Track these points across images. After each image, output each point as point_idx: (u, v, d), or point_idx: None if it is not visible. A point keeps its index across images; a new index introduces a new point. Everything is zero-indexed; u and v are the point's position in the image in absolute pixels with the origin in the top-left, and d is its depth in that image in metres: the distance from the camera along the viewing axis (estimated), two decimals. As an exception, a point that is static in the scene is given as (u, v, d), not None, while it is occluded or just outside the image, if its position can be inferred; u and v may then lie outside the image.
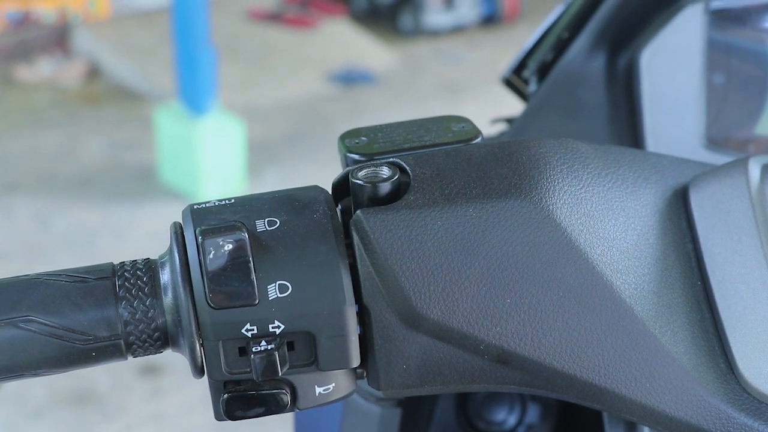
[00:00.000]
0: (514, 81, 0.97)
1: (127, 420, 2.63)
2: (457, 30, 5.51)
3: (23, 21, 4.91)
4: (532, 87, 0.90)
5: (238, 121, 3.71)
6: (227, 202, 0.52)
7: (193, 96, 3.54)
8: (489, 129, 0.98)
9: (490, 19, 5.61)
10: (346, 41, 5.20)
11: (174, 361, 2.78)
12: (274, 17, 5.35)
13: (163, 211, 3.57)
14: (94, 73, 4.79)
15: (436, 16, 5.41)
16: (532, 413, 0.80)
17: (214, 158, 3.63)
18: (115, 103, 4.53)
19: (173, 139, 3.66)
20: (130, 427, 2.60)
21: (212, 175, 3.64)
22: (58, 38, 4.95)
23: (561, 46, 0.85)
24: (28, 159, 4.02)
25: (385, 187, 0.51)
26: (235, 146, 3.70)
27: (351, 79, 4.81)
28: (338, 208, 0.54)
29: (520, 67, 0.94)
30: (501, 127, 0.97)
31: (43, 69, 4.75)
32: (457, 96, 4.73)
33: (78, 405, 2.65)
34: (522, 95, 0.98)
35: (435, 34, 5.44)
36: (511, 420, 0.80)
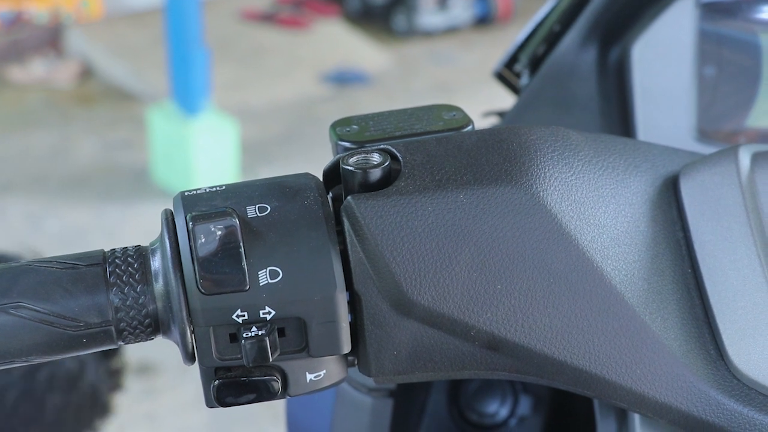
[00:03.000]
0: (506, 75, 0.97)
1: (120, 420, 2.62)
2: (451, 31, 5.51)
3: (15, 21, 4.90)
4: (524, 80, 0.90)
5: (232, 122, 3.71)
6: (218, 188, 0.52)
7: (187, 96, 3.53)
8: (481, 122, 0.98)
9: (484, 20, 5.61)
10: (339, 42, 5.20)
11: (167, 360, 2.78)
12: (268, 18, 5.34)
13: (157, 211, 3.55)
14: (87, 73, 4.79)
15: (429, 17, 5.41)
16: (524, 405, 0.80)
17: (208, 158, 3.63)
18: (108, 104, 4.52)
19: (166, 140, 3.65)
20: (124, 427, 2.60)
21: (205, 176, 3.63)
22: (50, 39, 4.94)
23: (552, 39, 0.85)
24: (21, 159, 4.01)
25: (375, 174, 0.51)
26: (228, 146, 3.70)
27: (344, 79, 4.80)
28: (329, 195, 0.54)
29: (511, 61, 0.95)
30: (492, 120, 0.97)
31: (35, 69, 4.74)
32: (451, 96, 4.73)
33: (71, 405, 2.64)
34: (514, 89, 0.98)
35: (428, 34, 5.44)
36: (503, 411, 0.80)
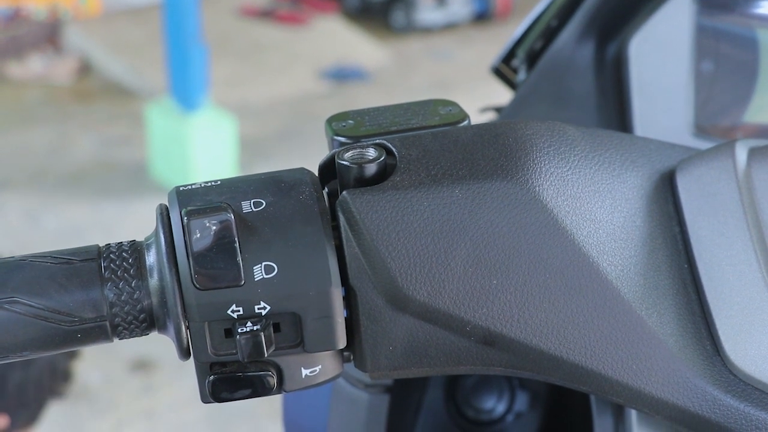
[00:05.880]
0: (504, 70, 0.97)
1: (118, 416, 2.62)
2: (449, 27, 5.51)
3: (14, 17, 4.89)
4: (521, 76, 0.90)
5: (230, 118, 3.71)
6: (213, 183, 0.52)
7: (185, 93, 3.53)
8: (478, 118, 0.97)
9: (482, 16, 5.61)
10: (338, 38, 5.20)
11: (165, 357, 2.78)
12: (266, 14, 5.34)
13: (154, 208, 3.56)
14: (85, 69, 4.78)
15: (428, 13, 5.41)
16: (521, 401, 0.80)
17: (206, 155, 3.63)
18: (106, 100, 4.52)
19: (164, 136, 3.65)
20: (122, 423, 2.60)
21: (203, 171, 3.63)
22: (49, 35, 4.94)
23: (550, 35, 0.85)
24: (19, 156, 4.01)
25: (371, 168, 0.51)
26: (226, 143, 3.69)
27: (343, 76, 4.80)
28: (325, 190, 0.54)
29: (509, 56, 0.94)
30: (490, 115, 0.97)
31: (34, 66, 4.74)
32: (449, 93, 4.73)
33: (69, 400, 2.64)
34: (511, 84, 0.98)
35: (427, 31, 5.44)
36: (500, 407, 0.80)
